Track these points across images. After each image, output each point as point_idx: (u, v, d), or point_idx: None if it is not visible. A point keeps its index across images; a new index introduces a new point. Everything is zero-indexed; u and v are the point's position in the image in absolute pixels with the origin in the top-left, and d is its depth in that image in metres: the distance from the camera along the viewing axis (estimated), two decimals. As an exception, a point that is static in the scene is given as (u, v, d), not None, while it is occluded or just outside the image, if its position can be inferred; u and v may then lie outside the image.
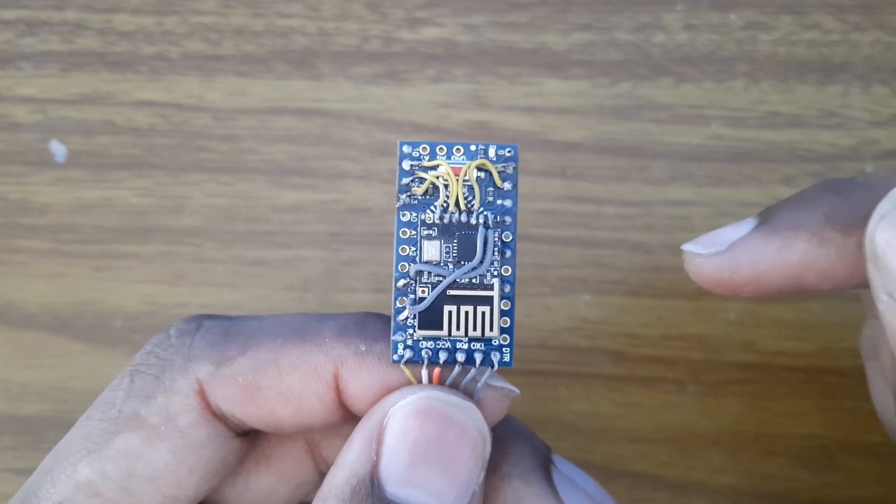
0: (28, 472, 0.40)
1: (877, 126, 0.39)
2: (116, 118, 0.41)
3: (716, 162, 0.39)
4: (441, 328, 0.25)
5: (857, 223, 0.24)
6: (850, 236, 0.24)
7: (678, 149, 0.39)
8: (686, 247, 0.26)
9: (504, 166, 0.26)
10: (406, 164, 0.26)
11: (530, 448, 0.28)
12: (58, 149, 0.41)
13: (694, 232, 0.38)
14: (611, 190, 0.39)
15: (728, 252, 0.25)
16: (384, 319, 0.26)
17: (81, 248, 0.40)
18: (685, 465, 0.39)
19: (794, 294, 0.26)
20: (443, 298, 0.25)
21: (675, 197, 0.39)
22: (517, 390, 0.26)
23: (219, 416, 0.26)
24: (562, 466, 0.28)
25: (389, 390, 0.26)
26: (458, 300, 0.25)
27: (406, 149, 0.26)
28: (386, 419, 0.24)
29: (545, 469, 0.27)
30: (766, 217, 0.26)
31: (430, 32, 0.40)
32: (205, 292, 0.40)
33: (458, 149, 0.26)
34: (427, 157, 0.26)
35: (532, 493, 0.26)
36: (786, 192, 0.39)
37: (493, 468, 0.26)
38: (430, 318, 0.25)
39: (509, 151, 0.26)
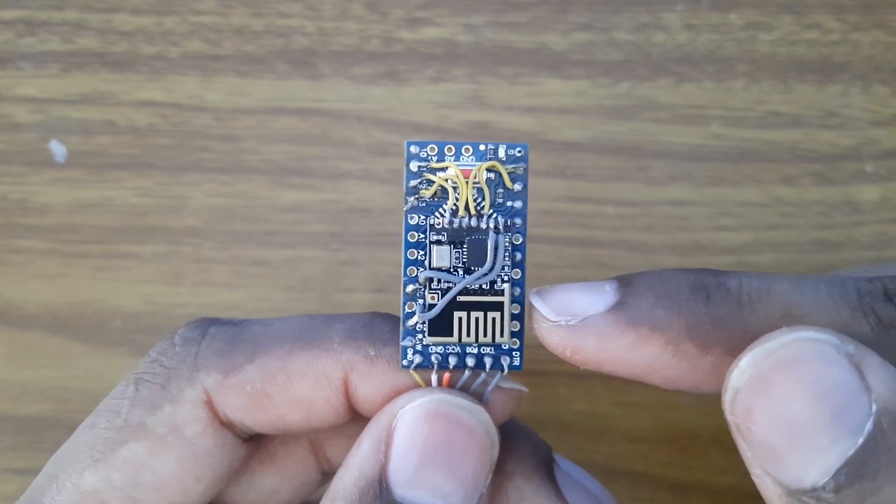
0: (28, 471, 0.40)
1: (877, 126, 0.39)
2: (116, 118, 0.40)
3: (716, 162, 0.39)
4: (451, 335, 0.25)
5: (717, 344, 0.23)
6: (706, 354, 0.23)
7: (678, 149, 0.39)
8: (535, 302, 0.25)
9: (514, 167, 0.25)
10: (414, 166, 0.25)
11: (532, 447, 0.28)
12: (58, 149, 0.40)
13: (694, 232, 0.38)
14: (611, 190, 0.39)
15: (577, 329, 0.24)
16: (392, 320, 0.26)
17: (81, 248, 0.40)
18: (685, 464, 0.39)
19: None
20: (452, 304, 0.25)
21: (675, 197, 0.39)
22: (526, 389, 0.26)
23: (226, 424, 0.26)
24: (563, 465, 0.28)
25: (399, 393, 0.25)
26: (468, 306, 0.25)
27: (414, 149, 0.25)
28: (395, 421, 0.24)
29: (547, 467, 0.27)
30: (626, 297, 0.24)
31: (429, 32, 0.40)
32: (205, 292, 0.40)
33: (466, 148, 0.25)
34: (435, 158, 0.25)
35: (535, 491, 0.26)
36: (786, 191, 0.39)
37: (497, 466, 0.26)
38: (440, 324, 0.25)
39: (519, 151, 0.25)
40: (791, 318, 0.23)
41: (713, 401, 0.38)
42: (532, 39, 0.40)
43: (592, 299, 0.24)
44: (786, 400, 0.21)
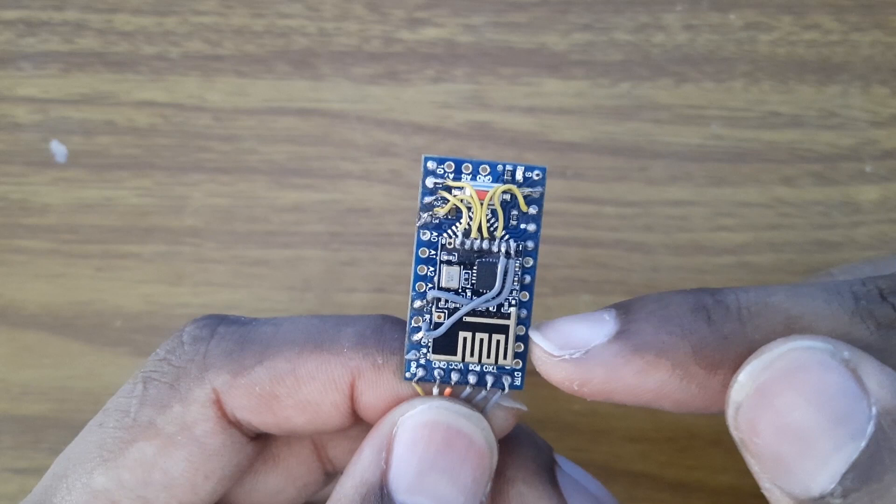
0: (29, 471, 0.40)
1: (876, 126, 0.39)
2: (117, 118, 0.40)
3: (715, 162, 0.39)
4: (455, 353, 0.25)
5: (724, 362, 0.23)
6: (714, 375, 0.23)
7: (678, 149, 0.39)
8: (536, 339, 0.24)
9: (531, 191, 0.25)
10: (430, 182, 0.25)
11: (534, 450, 0.28)
12: (58, 149, 0.40)
13: (693, 232, 0.38)
14: (611, 190, 0.39)
15: (582, 361, 0.24)
16: (401, 327, 0.26)
17: (82, 248, 0.40)
18: (685, 464, 0.39)
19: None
20: (458, 325, 0.25)
21: (675, 197, 0.39)
22: (525, 407, 0.26)
23: (233, 424, 0.26)
24: (565, 466, 0.28)
25: (401, 402, 0.26)
26: (474, 327, 0.25)
27: (431, 165, 0.25)
28: (395, 429, 0.25)
29: (549, 471, 0.27)
30: (628, 325, 0.24)
31: (430, 32, 0.40)
32: (205, 292, 0.40)
33: (483, 168, 0.25)
34: (452, 175, 0.25)
35: (537, 496, 0.26)
36: (786, 192, 0.39)
37: (497, 472, 0.26)
38: (445, 343, 0.25)
39: (538, 174, 0.25)
40: (792, 330, 0.23)
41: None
42: (532, 39, 0.40)
43: (594, 330, 0.24)
44: (787, 409, 0.21)
